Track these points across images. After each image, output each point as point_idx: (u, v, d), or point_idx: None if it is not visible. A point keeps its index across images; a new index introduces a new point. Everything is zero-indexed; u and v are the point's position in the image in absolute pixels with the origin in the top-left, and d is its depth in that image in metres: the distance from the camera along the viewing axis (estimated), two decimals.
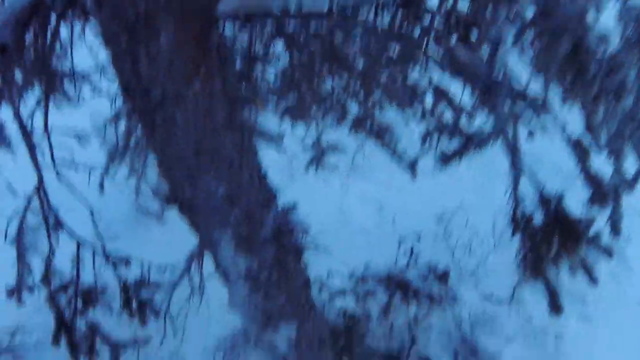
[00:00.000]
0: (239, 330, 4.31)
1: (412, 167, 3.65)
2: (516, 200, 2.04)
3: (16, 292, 2.82)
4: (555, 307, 2.19)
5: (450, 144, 3.92)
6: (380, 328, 5.20)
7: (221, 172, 1.94)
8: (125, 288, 2.42)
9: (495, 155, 6.28)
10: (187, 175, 1.95)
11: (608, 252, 2.75)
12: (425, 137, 3.51)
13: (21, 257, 2.70)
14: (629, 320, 4.87)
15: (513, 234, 2.08)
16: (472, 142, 1.95)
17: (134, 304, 2.44)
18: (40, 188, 2.50)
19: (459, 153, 1.94)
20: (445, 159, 1.92)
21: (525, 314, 5.01)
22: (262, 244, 2.22)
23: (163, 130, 1.81)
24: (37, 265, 2.85)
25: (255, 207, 2.13)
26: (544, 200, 2.12)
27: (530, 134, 3.57)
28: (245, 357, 4.70)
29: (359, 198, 6.37)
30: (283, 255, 2.30)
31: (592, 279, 2.64)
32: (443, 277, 5.41)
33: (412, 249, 5.67)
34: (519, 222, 2.03)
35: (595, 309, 5.00)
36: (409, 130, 5.63)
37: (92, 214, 2.55)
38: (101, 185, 3.87)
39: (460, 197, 6.14)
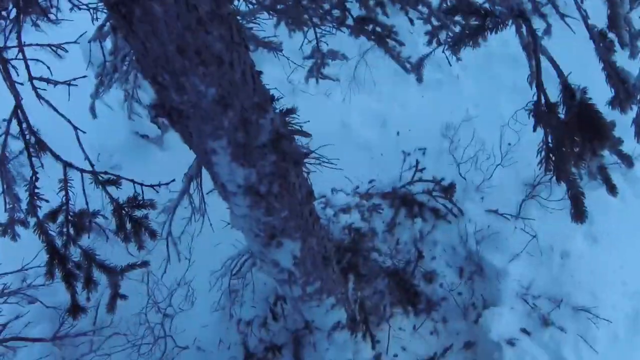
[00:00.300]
0: (244, 250, 4.23)
1: (418, 70, 3.37)
2: (539, 88, 1.80)
3: (9, 227, 2.65)
4: (578, 213, 2.01)
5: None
6: (385, 244, 5.13)
7: (210, 71, 1.70)
8: (117, 208, 2.22)
9: (500, 69, 6.05)
10: (173, 78, 1.71)
11: (628, 161, 2.53)
12: (433, 35, 3.24)
13: (8, 188, 2.52)
14: (634, 242, 4.78)
15: (535, 127, 1.85)
16: (487, 23, 1.68)
17: (128, 226, 2.25)
18: (18, 107, 2.28)
19: (472, 35, 1.68)
20: (456, 42, 1.67)
21: (531, 231, 4.92)
22: (260, 152, 2.02)
23: (143, 27, 1.56)
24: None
25: (250, 110, 1.90)
26: (568, 91, 1.88)
27: (549, 26, 3.30)
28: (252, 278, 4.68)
29: (362, 112, 6.14)
30: (283, 163, 2.11)
31: (611, 187, 2.43)
32: (448, 190, 5.29)
33: (417, 163, 5.51)
34: (542, 114, 1.81)
35: (602, 229, 4.91)
36: (412, 38, 5.36)
37: (75, 130, 2.33)
38: (92, 110, 3.62)
39: (465, 111, 5.92)
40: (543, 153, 1.88)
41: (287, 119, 2.08)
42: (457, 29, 3.51)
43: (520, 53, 6.42)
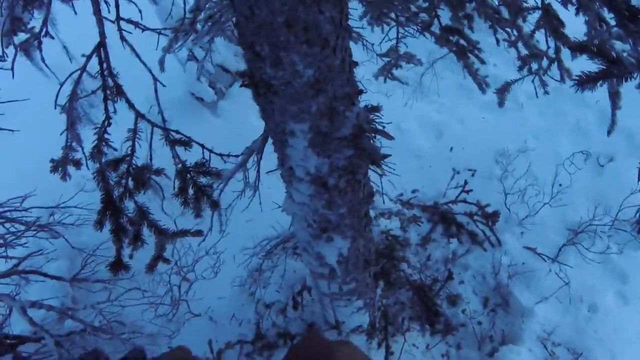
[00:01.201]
0: (285, 234, 4.19)
1: (502, 94, 3.25)
2: None
3: (61, 165, 2.61)
4: None
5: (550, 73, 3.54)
6: (416, 257, 5.04)
7: (314, 51, 1.63)
8: (183, 171, 2.15)
9: (566, 106, 5.89)
10: (273, 51, 1.64)
11: None
12: (525, 62, 3.12)
13: (71, 126, 2.48)
14: None
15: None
16: (617, 67, 1.58)
17: (191, 192, 2.19)
18: (102, 45, 2.23)
19: (600, 78, 1.58)
20: (584, 82, 1.57)
21: (565, 277, 4.79)
22: (339, 144, 1.95)
23: None
24: (87, 140, 2.64)
25: (340, 100, 1.84)
26: None
27: None
28: (281, 262, 4.65)
29: (420, 120, 6.04)
30: (358, 160, 2.03)
31: None
32: (491, 218, 5.16)
33: (465, 183, 5.39)
34: None
35: (636, 291, 4.76)
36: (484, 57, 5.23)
37: (155, 81, 2.28)
38: (161, 63, 3.58)
39: (524, 141, 5.78)
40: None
41: (371, 116, 2.01)
42: (544, 62, 3.40)
43: (590, 94, 6.26)
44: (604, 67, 1.65)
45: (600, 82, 1.67)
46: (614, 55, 1.67)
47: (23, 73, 2.90)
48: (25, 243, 4.78)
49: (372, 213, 4.71)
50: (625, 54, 1.75)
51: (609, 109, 5.51)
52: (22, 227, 4.62)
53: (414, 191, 5.52)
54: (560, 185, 5.32)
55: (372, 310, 3.70)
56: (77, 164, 2.69)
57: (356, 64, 1.91)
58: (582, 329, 4.63)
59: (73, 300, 5.18)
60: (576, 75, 1.66)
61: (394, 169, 3.28)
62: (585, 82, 1.61)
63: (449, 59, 5.93)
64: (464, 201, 5.33)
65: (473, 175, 5.60)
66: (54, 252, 5.28)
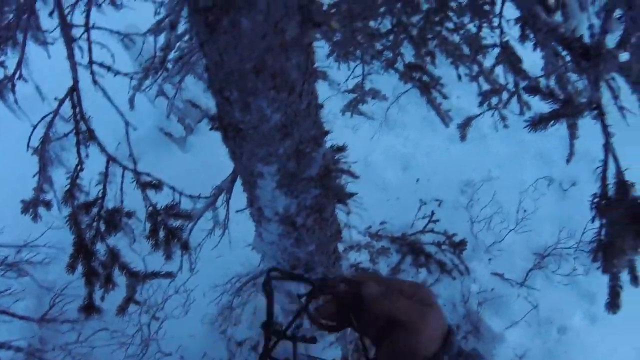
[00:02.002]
0: (255, 272, 4.18)
1: (464, 128, 3.36)
2: (604, 181, 1.80)
3: (32, 206, 2.59)
4: (614, 304, 1.98)
5: (510, 108, 3.67)
6: None
7: (281, 96, 1.69)
8: (154, 214, 2.16)
9: (527, 135, 6.09)
10: (241, 96, 1.69)
11: None
12: (486, 97, 3.24)
13: (43, 169, 2.47)
14: (633, 329, 4.75)
15: (594, 219, 1.84)
16: (567, 108, 1.68)
17: (162, 233, 2.20)
18: (74, 90, 2.26)
19: (551, 118, 1.68)
20: (536, 123, 1.67)
21: (534, 301, 4.88)
22: (306, 184, 1.99)
23: (225, 38, 1.55)
24: (58, 181, 2.64)
25: (306, 142, 1.89)
26: (622, 187, 1.88)
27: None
28: (252, 299, 4.62)
29: (386, 153, 6.15)
30: (324, 199, 2.08)
31: (635, 279, 2.40)
32: (458, 247, 5.24)
33: (432, 213, 5.48)
34: (604, 208, 1.80)
35: (602, 310, 4.87)
36: (447, 90, 5.39)
37: (127, 125, 2.30)
38: (131, 101, 3.60)
39: (488, 171, 5.93)
40: (595, 244, 1.85)
41: (337, 156, 2.07)
42: (505, 95, 3.53)
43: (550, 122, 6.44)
44: (556, 109, 1.76)
45: (552, 122, 1.77)
46: (565, 97, 1.78)
47: None
48: None
49: (341, 247, 4.74)
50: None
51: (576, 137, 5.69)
52: None
53: (382, 223, 5.57)
54: (525, 211, 5.47)
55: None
56: (48, 205, 2.68)
57: (322, 106, 1.97)
58: (553, 350, 4.71)
59: (41, 340, 5.05)
60: (529, 117, 1.76)
61: (362, 203, 3.35)
62: (538, 123, 1.71)
63: (414, 93, 6.07)
64: (432, 231, 5.40)
65: (440, 205, 5.71)
66: (21, 292, 5.16)
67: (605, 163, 1.83)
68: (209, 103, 6.57)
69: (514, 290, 5.03)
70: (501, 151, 6.20)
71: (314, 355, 1.13)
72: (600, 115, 1.83)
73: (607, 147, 1.85)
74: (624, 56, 1.99)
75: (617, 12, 1.84)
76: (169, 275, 2.43)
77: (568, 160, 3.66)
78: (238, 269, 4.43)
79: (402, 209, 5.65)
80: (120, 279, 2.52)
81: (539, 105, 3.01)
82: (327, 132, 2.07)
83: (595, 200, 1.82)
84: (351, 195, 2.06)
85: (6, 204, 5.22)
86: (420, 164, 6.04)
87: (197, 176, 4.27)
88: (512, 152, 6.19)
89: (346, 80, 4.06)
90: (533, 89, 1.66)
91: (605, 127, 1.88)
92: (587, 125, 3.42)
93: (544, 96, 1.72)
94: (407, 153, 6.15)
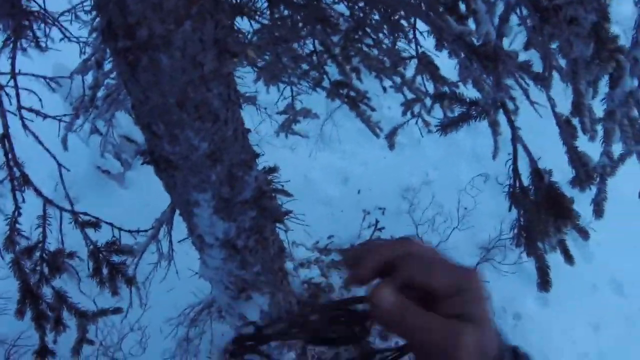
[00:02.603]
0: (207, 300, 4.18)
1: (391, 138, 3.51)
2: (515, 173, 1.95)
3: None
4: (544, 283, 2.13)
5: (432, 114, 3.85)
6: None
7: (206, 126, 1.76)
8: (95, 252, 2.18)
9: (460, 135, 6.33)
10: (168, 129, 1.76)
11: (585, 234, 2.70)
12: (408, 107, 3.40)
13: None
14: (584, 305, 4.99)
15: (510, 208, 1.99)
16: (474, 110, 1.83)
17: (105, 271, 2.21)
18: (5, 136, 2.26)
19: (459, 121, 1.83)
20: (445, 127, 1.81)
21: (485, 292, 5.06)
22: (242, 207, 2.07)
23: (146, 75, 1.62)
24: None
25: (237, 166, 1.96)
26: (537, 175, 2.04)
27: (517, 108, 3.53)
28: (208, 328, 4.60)
29: (325, 168, 6.27)
30: (262, 219, 2.16)
31: (569, 257, 2.60)
32: None
33: (376, 222, 5.63)
34: (517, 197, 1.95)
35: (552, 292, 5.09)
36: (379, 101, 5.59)
37: (60, 167, 2.31)
38: (64, 142, 3.58)
39: (425, 174, 6.13)
40: (515, 230, 2.00)
41: (269, 177, 2.15)
42: (429, 102, 3.71)
43: (481, 123, 6.71)
44: (463, 111, 1.90)
45: (461, 124, 1.92)
46: (470, 99, 1.93)
47: None
48: None
49: (291, 265, 4.82)
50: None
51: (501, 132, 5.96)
52: None
53: (329, 237, 5.69)
54: (465, 208, 5.67)
55: None
56: None
57: (249, 130, 2.06)
58: (511, 338, 4.87)
59: None
60: (438, 120, 1.90)
61: (305, 219, 3.43)
62: (447, 126, 1.85)
63: (345, 108, 6.26)
64: (379, 238, 5.55)
65: (383, 213, 5.86)
66: None
67: (514, 155, 1.99)
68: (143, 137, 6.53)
69: None
70: (436, 154, 6.42)
71: None
72: (506, 112, 1.99)
73: (515, 140, 2.01)
74: (523, 56, 2.17)
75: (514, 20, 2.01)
76: (118, 310, 2.44)
77: (494, 156, 3.88)
78: (190, 299, 4.41)
79: (347, 221, 5.77)
80: (71, 322, 2.50)
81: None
82: (257, 155, 2.15)
83: (510, 190, 1.96)
84: (287, 213, 2.14)
85: None
86: (359, 176, 6.18)
87: (140, 211, 4.26)
88: (446, 153, 6.40)
89: (276, 102, 4.15)
90: (440, 96, 1.80)
91: (511, 122, 2.04)
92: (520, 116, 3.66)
93: (452, 101, 1.86)
94: (345, 166, 6.29)
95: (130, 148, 6.60)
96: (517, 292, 5.13)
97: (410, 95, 3.97)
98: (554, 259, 5.30)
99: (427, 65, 3.36)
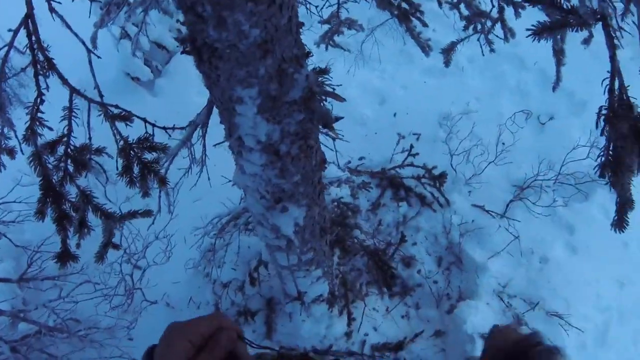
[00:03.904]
0: (235, 210, 4.09)
1: (448, 54, 3.25)
2: (611, 93, 1.71)
3: None
4: (621, 221, 1.92)
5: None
6: (368, 222, 5.07)
7: (259, 9, 1.55)
8: (126, 149, 2.01)
9: (506, 68, 6.02)
10: (215, 10, 1.55)
11: None
12: (470, 21, 3.12)
13: (1, 109, 2.29)
14: (612, 260, 4.84)
15: (602, 132, 1.76)
16: (571, 20, 1.58)
17: (136, 170, 2.04)
18: (29, 17, 2.06)
19: (556, 26, 1.58)
20: (540, 31, 1.56)
21: (515, 232, 4.92)
22: (289, 108, 1.88)
23: None
24: (20, 124, 2.46)
25: (288, 61, 1.76)
26: (627, 104, 1.80)
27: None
28: (234, 239, 4.56)
29: (362, 87, 6.01)
30: (309, 124, 1.97)
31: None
32: (438, 179, 5.22)
33: (410, 147, 5.43)
34: (613, 120, 1.72)
35: (583, 241, 4.96)
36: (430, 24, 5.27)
37: (89, 53, 2.12)
38: (93, 40, 3.38)
39: (466, 104, 5.86)
40: (603, 158, 1.79)
41: (320, 78, 1.95)
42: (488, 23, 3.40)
43: (529, 56, 6.36)
44: (560, 17, 1.64)
45: (558, 30, 1.67)
46: (569, 6, 1.67)
47: None
48: None
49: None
50: None
51: (548, 70, 5.65)
52: None
53: (361, 158, 5.53)
54: (503, 144, 5.45)
55: (331, 279, 3.69)
56: (11, 152, 2.51)
57: (302, 24, 1.84)
58: (535, 280, 4.78)
59: (23, 301, 4.95)
60: (532, 25, 1.65)
61: (341, 137, 3.25)
62: (542, 31, 1.60)
63: (389, 25, 5.91)
64: (411, 165, 5.37)
65: (418, 139, 5.65)
66: None
67: (612, 76, 1.75)
68: (174, 43, 6.31)
69: (494, 221, 5.04)
70: (479, 84, 6.12)
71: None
72: (606, 27, 1.74)
73: (614, 60, 1.76)
74: None
75: None
76: (147, 213, 2.31)
77: (554, 88, 3.60)
78: (218, 209, 4.33)
79: (381, 143, 5.58)
80: (96, 226, 2.39)
81: (523, 32, 2.92)
82: (309, 53, 1.94)
83: (603, 112, 1.73)
84: (338, 118, 1.95)
85: None
86: (397, 98, 5.93)
87: (169, 119, 4.08)
88: (490, 85, 6.11)
89: (321, 9, 3.87)
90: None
91: (610, 39, 1.78)
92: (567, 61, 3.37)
93: (547, 5, 1.61)
94: (383, 87, 6.02)
95: (160, 55, 6.39)
96: (547, 236, 5.00)
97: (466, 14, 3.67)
98: (588, 210, 5.10)
99: None
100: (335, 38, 4.27)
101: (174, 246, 4.80)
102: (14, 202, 4.84)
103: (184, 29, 6.12)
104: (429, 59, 3.89)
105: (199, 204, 4.62)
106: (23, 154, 2.31)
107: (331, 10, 3.87)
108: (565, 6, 1.58)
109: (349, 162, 5.43)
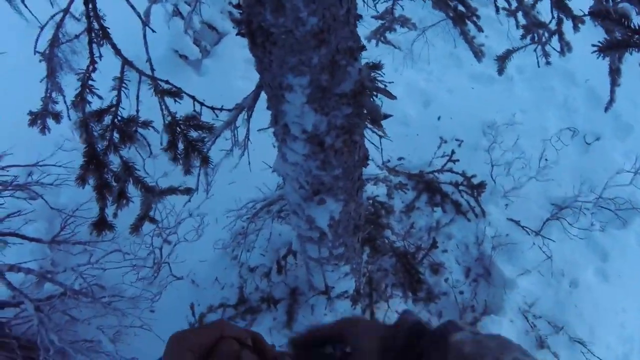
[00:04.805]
0: (271, 197, 4.10)
1: (503, 61, 3.17)
2: None
3: (40, 117, 2.44)
4: None
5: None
6: (400, 224, 5.02)
7: None
8: (173, 125, 2.01)
9: (555, 82, 5.87)
10: None
11: None
12: (528, 30, 3.03)
13: (52, 74, 2.32)
14: None
15: None
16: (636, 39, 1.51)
17: (180, 147, 2.05)
18: None
19: (622, 45, 1.51)
20: (605, 48, 1.50)
21: (548, 251, 4.81)
22: (339, 101, 1.86)
23: None
24: (68, 90, 2.49)
25: (342, 53, 1.74)
26: None
27: None
28: (266, 226, 4.57)
29: (408, 88, 5.94)
30: (357, 118, 1.95)
31: None
32: (477, 188, 5.13)
33: (452, 152, 5.34)
34: None
35: (616, 268, 4.82)
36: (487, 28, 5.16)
37: (144, 26, 2.14)
38: (147, 15, 3.41)
39: (512, 115, 5.74)
40: None
41: (372, 73, 1.92)
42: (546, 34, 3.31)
43: (580, 72, 6.19)
44: (627, 36, 1.57)
45: (624, 49, 1.60)
46: (637, 26, 1.60)
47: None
48: (2, 204, 4.61)
49: None
50: None
51: (598, 88, 5.51)
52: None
53: (400, 159, 5.47)
54: (546, 160, 5.34)
55: (358, 276, 3.66)
56: (57, 117, 2.55)
57: (360, 16, 1.81)
58: (563, 303, 4.67)
59: (52, 263, 5.06)
60: (598, 41, 1.58)
61: (387, 134, 3.22)
62: (608, 49, 1.54)
63: (441, 27, 5.83)
64: (450, 171, 5.29)
65: (460, 145, 5.57)
66: (31, 214, 5.13)
67: None
68: (225, 25, 6.34)
69: (529, 238, 4.94)
70: (526, 96, 5.99)
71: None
72: None
73: None
74: None
75: None
76: (187, 191, 2.32)
77: (607, 109, 3.48)
78: (252, 194, 4.34)
79: (421, 145, 5.51)
80: (133, 195, 2.41)
81: (580, 46, 2.84)
82: (363, 47, 1.91)
83: None
84: (386, 116, 1.92)
85: (16, 123, 5.11)
86: (442, 101, 5.84)
87: (213, 100, 4.12)
88: (537, 98, 5.97)
89: (375, 3, 3.82)
90: (601, 14, 1.47)
91: None
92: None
93: (614, 22, 1.55)
94: (429, 89, 5.94)
95: (210, 35, 6.43)
96: (580, 259, 4.88)
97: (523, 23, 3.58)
98: (625, 237, 4.95)
99: None
100: (387, 34, 4.22)
101: (207, 225, 4.84)
102: (54, 165, 4.94)
103: (235, 12, 6.15)
104: (478, 64, 3.81)
105: (234, 187, 4.63)
106: (70, 119, 2.35)
107: (385, 6, 3.81)
108: (632, 25, 1.51)
109: (388, 160, 5.38)
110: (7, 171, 4.73)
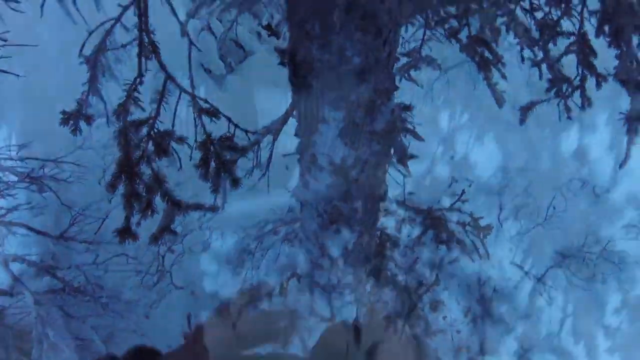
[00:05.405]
0: (283, 220, 4.14)
1: (525, 112, 3.23)
2: None
3: (74, 118, 2.49)
4: None
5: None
6: (404, 258, 5.04)
7: (366, 39, 1.60)
8: (207, 143, 2.07)
9: (570, 131, 5.95)
10: (323, 33, 1.61)
11: None
12: (554, 84, 3.10)
13: (93, 79, 2.38)
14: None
15: None
16: None
17: (212, 164, 2.10)
18: None
19: None
20: (633, 119, 1.56)
21: (548, 298, 4.83)
22: (369, 138, 1.92)
23: None
24: (108, 96, 2.56)
25: (379, 93, 1.81)
26: None
27: None
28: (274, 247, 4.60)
29: (426, 124, 5.95)
30: (384, 156, 2.01)
31: None
32: (483, 230, 5.16)
33: (462, 192, 5.39)
34: None
35: (614, 320, 4.85)
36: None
37: (190, 45, 2.21)
38: (183, 28, 3.50)
39: (525, 160, 5.80)
40: None
41: (403, 114, 1.98)
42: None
43: (595, 124, 6.23)
44: None
45: None
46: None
47: (31, 16, 2.79)
48: (15, 194, 4.66)
49: None
50: None
51: (612, 141, 5.55)
52: (15, 178, 4.49)
53: (410, 193, 5.51)
54: (554, 208, 5.36)
55: (360, 306, 3.69)
56: (89, 119, 2.61)
57: (398, 59, 1.89)
58: (561, 352, 4.68)
59: (52, 257, 5.08)
60: (625, 110, 1.65)
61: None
62: (636, 119, 1.60)
63: (462, 68, 5.91)
64: (459, 210, 5.32)
65: (470, 185, 5.61)
66: (40, 207, 5.16)
67: None
68: (253, 45, 6.43)
69: (530, 283, 4.97)
70: (541, 143, 6.05)
71: None
72: None
73: None
74: None
75: None
76: (213, 208, 2.37)
77: (621, 166, 3.54)
78: (262, 214, 4.39)
79: (432, 182, 5.56)
80: (160, 208, 2.46)
81: (600, 102, 2.89)
82: (397, 88, 1.99)
83: None
84: (412, 157, 1.98)
85: (39, 116, 5.18)
86: (457, 141, 5.90)
87: (234, 117, 4.21)
88: (551, 146, 6.03)
89: (402, 42, 3.91)
90: (627, 81, 1.54)
91: None
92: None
93: (633, 86, 1.61)
94: (446, 128, 6.01)
95: (237, 53, 6.52)
96: (581, 310, 4.91)
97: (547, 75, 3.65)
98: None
99: (584, 48, 3.02)
100: (412, 72, 4.31)
101: (215, 239, 4.87)
102: (73, 163, 4.97)
103: (264, 33, 6.24)
104: (497, 109, 3.88)
105: (245, 204, 4.68)
106: (108, 126, 2.40)
107: (413, 45, 3.89)
108: None
109: (399, 194, 5.43)
110: (26, 163, 4.79)
